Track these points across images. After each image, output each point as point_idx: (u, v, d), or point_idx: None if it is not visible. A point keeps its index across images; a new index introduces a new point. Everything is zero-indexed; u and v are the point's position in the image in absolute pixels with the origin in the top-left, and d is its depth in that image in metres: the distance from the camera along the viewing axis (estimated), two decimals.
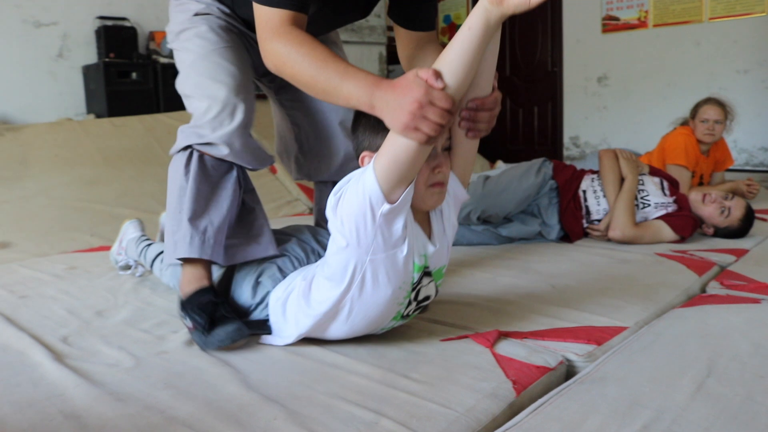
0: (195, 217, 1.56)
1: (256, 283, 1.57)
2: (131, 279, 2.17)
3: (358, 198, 1.22)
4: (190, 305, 1.53)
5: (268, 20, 1.38)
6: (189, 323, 1.52)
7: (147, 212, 3.01)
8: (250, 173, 1.73)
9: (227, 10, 1.71)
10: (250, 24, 1.67)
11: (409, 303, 1.41)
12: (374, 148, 1.27)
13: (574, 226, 2.67)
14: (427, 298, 1.45)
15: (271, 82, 1.89)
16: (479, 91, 1.30)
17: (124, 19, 4.34)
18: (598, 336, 1.51)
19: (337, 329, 1.42)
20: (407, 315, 1.45)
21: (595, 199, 2.70)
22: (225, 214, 1.60)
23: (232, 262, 1.60)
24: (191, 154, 1.60)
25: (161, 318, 1.74)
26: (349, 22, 1.80)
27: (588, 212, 2.69)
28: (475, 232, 2.62)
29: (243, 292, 1.59)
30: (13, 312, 1.86)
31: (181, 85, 1.67)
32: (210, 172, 1.60)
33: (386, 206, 1.21)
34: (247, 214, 1.68)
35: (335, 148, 1.88)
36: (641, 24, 5.60)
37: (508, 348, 1.44)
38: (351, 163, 1.86)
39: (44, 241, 2.81)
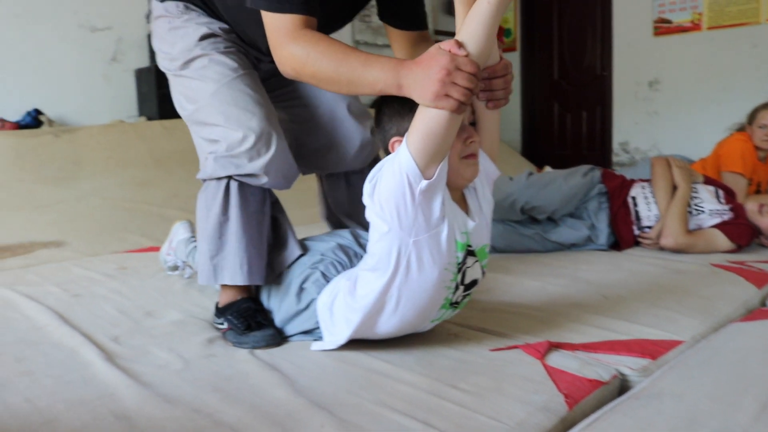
0: (238, 245, 1.57)
1: (300, 290, 1.56)
2: (180, 280, 2.20)
3: (395, 178, 1.24)
4: (228, 310, 1.61)
5: (280, 27, 1.38)
6: (224, 326, 1.59)
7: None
8: None
9: (226, 26, 1.68)
10: (248, 40, 1.69)
11: (457, 287, 1.40)
12: (403, 132, 1.28)
13: (624, 231, 2.61)
14: (474, 282, 1.45)
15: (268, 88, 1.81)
16: (488, 60, 1.31)
17: None
18: (652, 350, 1.47)
19: (387, 322, 1.41)
20: (456, 303, 1.45)
21: (645, 205, 2.63)
22: (265, 238, 1.62)
23: (272, 279, 1.63)
24: (229, 183, 1.59)
25: (210, 320, 1.75)
26: (340, 27, 1.73)
27: (638, 218, 2.63)
28: (523, 237, 2.58)
29: (287, 298, 1.59)
30: (66, 310, 1.89)
31: (203, 113, 1.61)
32: (249, 199, 1.61)
33: (424, 182, 1.23)
34: (276, 228, 1.69)
35: (348, 134, 1.82)
36: (695, 26, 5.46)
37: (559, 360, 1.40)
38: (367, 149, 1.84)
39: (96, 241, 2.87)
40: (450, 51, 1.19)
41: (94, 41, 4.26)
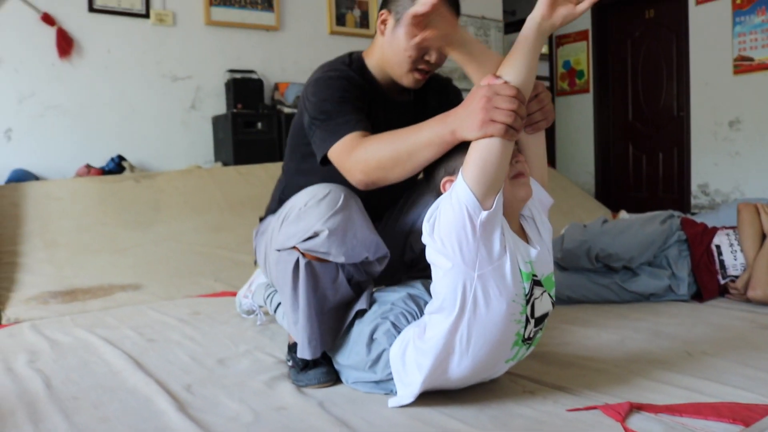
0: (306, 323, 1.57)
1: (371, 340, 1.54)
2: (252, 327, 2.22)
3: (454, 212, 1.25)
4: (293, 349, 1.68)
5: (341, 150, 1.51)
6: (290, 363, 1.69)
7: None
8: None
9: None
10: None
11: (527, 321, 1.37)
12: (451, 172, 1.35)
13: (708, 281, 2.49)
14: (545, 315, 1.42)
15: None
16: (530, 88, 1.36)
17: (251, 71, 4.56)
18: (744, 415, 1.36)
19: (459, 365, 1.37)
20: (529, 339, 1.41)
21: (731, 253, 2.50)
22: (333, 312, 1.61)
23: (339, 335, 1.63)
24: (298, 260, 1.56)
25: (280, 370, 1.75)
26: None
27: (723, 267, 2.50)
28: (598, 287, 2.50)
29: (357, 348, 1.57)
30: (140, 355, 1.94)
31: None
32: (319, 277, 1.57)
33: (484, 213, 1.24)
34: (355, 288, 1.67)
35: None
36: None
37: (641, 423, 1.33)
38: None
39: (171, 285, 2.94)
40: (488, 83, 1.28)
41: (174, 90, 4.44)
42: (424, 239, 1.33)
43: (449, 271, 1.29)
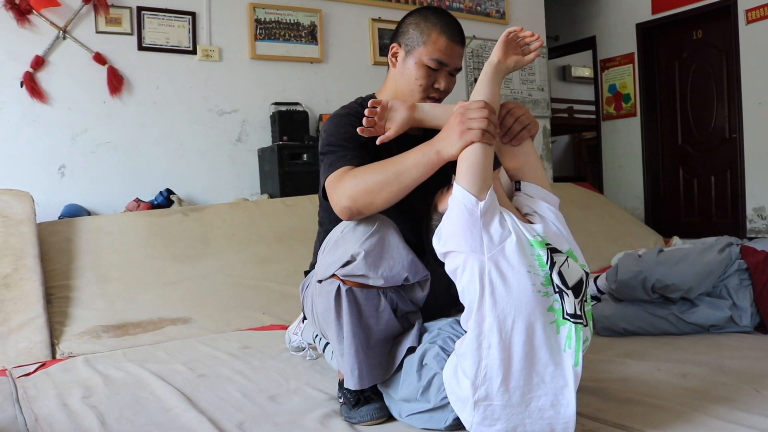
0: (349, 351, 1.55)
1: (420, 366, 1.53)
2: (302, 362, 2.20)
3: (454, 212, 1.38)
4: (343, 386, 1.64)
5: (331, 181, 1.60)
6: (341, 400, 1.67)
7: None
8: None
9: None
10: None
11: (561, 293, 1.35)
12: (444, 193, 1.52)
13: None
14: (580, 283, 1.40)
15: None
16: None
17: (296, 104, 4.62)
18: None
19: (502, 358, 1.32)
20: (578, 316, 1.36)
21: None
22: (378, 342, 1.59)
23: (388, 373, 1.60)
24: (339, 288, 1.55)
25: (332, 407, 1.73)
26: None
27: None
28: (656, 318, 2.41)
29: (409, 379, 1.55)
30: (192, 391, 1.93)
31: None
32: (361, 305, 1.56)
33: (481, 203, 1.34)
34: (403, 321, 1.65)
35: None
36: None
37: None
38: None
39: (221, 318, 2.95)
40: (459, 105, 1.49)
41: (221, 123, 4.51)
42: (435, 246, 1.44)
43: (463, 262, 1.36)
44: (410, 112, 1.60)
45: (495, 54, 1.58)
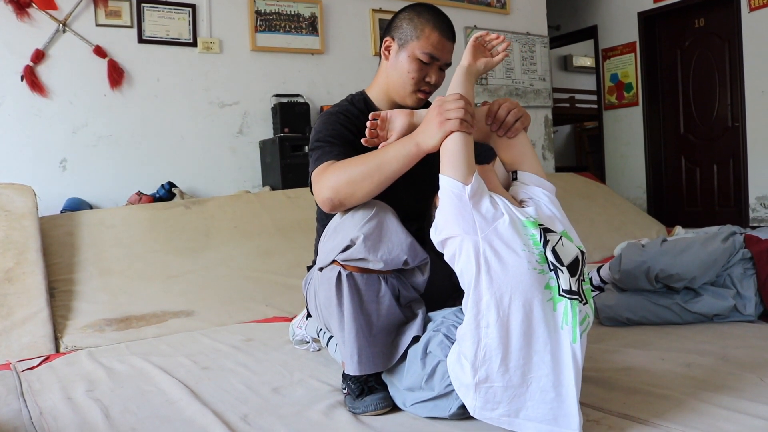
0: (348, 335, 1.57)
1: (425, 354, 1.53)
2: (306, 354, 2.21)
3: (445, 201, 1.41)
4: (347, 376, 1.66)
5: (315, 175, 1.66)
6: (345, 390, 1.68)
7: None
8: None
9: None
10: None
11: (556, 270, 1.36)
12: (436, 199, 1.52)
13: None
14: (576, 262, 1.40)
15: None
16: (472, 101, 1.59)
17: (297, 95, 4.61)
18: None
19: (500, 336, 1.33)
20: (574, 292, 1.36)
21: None
22: (378, 328, 1.59)
23: (390, 363, 1.61)
24: (340, 273, 1.57)
25: (336, 398, 1.73)
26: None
27: None
28: (659, 308, 2.40)
29: (413, 368, 1.55)
30: (196, 384, 1.93)
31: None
32: (361, 289, 1.57)
33: (467, 187, 1.38)
34: (406, 310, 1.66)
35: None
36: None
37: None
38: None
39: (223, 311, 2.95)
40: (436, 99, 1.53)
41: (222, 116, 4.50)
42: (432, 236, 1.45)
43: (460, 245, 1.38)
44: (408, 118, 1.64)
45: (465, 58, 1.65)
